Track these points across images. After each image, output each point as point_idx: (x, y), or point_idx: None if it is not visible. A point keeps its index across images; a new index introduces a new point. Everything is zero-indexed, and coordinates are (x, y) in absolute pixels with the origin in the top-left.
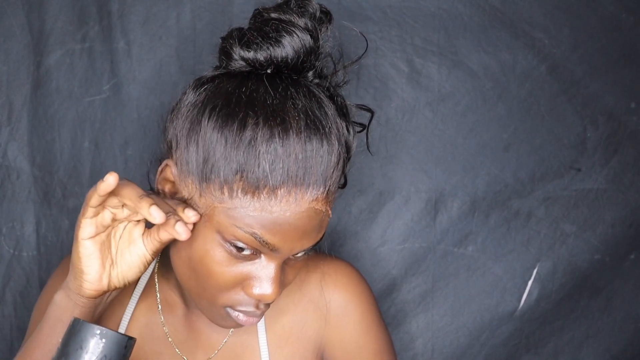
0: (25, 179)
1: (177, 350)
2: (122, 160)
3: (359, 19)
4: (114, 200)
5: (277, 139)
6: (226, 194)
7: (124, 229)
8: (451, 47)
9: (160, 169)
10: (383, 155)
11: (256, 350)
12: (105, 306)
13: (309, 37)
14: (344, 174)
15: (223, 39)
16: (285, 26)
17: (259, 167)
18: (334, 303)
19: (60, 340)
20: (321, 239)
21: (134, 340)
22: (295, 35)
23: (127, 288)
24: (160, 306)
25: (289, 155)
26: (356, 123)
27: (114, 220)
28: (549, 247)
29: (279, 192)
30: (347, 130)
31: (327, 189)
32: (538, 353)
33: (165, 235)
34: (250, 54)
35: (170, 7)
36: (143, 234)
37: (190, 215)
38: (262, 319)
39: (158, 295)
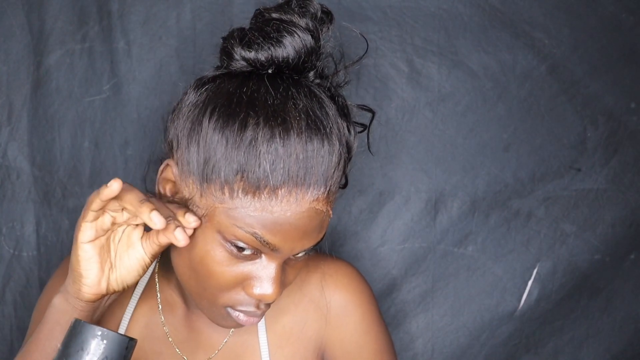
0: (25, 179)
1: (178, 350)
2: (122, 160)
3: (359, 19)
4: (114, 204)
5: (278, 139)
6: (227, 194)
7: (123, 232)
8: (451, 47)
9: (161, 169)
10: (383, 155)
11: (256, 350)
12: (104, 310)
13: (310, 37)
14: (344, 174)
15: (224, 39)
16: (286, 26)
17: (259, 167)
18: (335, 303)
19: (59, 342)
20: (322, 239)
21: (135, 341)
22: (296, 35)
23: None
24: (160, 306)
25: (289, 155)
26: (357, 123)
27: (113, 224)
28: (549, 247)
29: (279, 192)
30: (348, 130)
31: (327, 189)
32: (538, 353)
33: (164, 240)
34: (251, 54)
35: (170, 7)
36: (142, 238)
37: (190, 221)
38: (263, 319)
39: (158, 295)
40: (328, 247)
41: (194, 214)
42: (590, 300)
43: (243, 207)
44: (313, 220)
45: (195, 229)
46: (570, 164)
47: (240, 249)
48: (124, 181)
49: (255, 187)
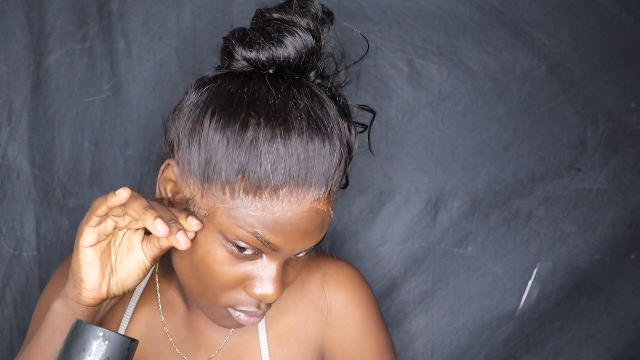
0: (25, 179)
1: (178, 350)
2: (122, 160)
3: (359, 19)
4: (117, 210)
5: (279, 139)
6: (228, 194)
7: (123, 236)
8: (451, 47)
9: (161, 168)
10: (383, 155)
11: (257, 350)
12: (104, 314)
13: (311, 37)
14: (345, 174)
15: (225, 39)
16: (287, 26)
17: (260, 167)
18: (335, 303)
19: (60, 347)
20: (323, 239)
21: (136, 342)
22: (297, 35)
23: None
24: (160, 306)
25: (290, 155)
26: (358, 123)
27: (114, 228)
28: (549, 247)
29: (280, 192)
30: (349, 130)
31: (328, 189)
32: (538, 353)
33: (165, 243)
34: (252, 54)
35: (170, 7)
36: (142, 241)
37: (192, 224)
38: (263, 319)
39: (159, 295)
40: (328, 247)
41: (196, 217)
42: (590, 300)
43: (244, 207)
44: (314, 220)
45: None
46: (570, 164)
47: (241, 249)
48: (130, 187)
49: (256, 187)
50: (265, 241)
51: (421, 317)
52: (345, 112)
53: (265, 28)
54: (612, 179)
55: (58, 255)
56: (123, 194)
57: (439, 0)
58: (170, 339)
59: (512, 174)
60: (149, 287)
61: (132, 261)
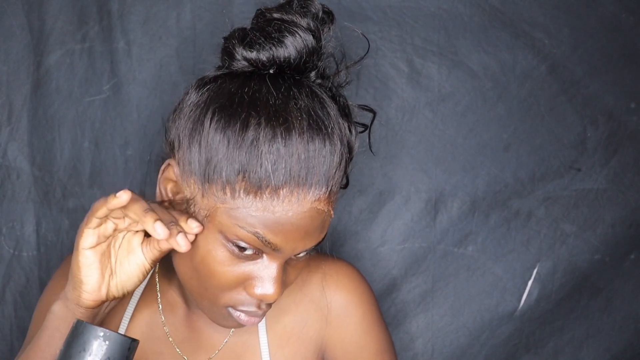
0: (25, 179)
1: (178, 350)
2: (122, 160)
3: (359, 19)
4: (117, 212)
5: (280, 139)
6: (228, 194)
7: (123, 238)
8: (451, 47)
9: (162, 168)
10: (383, 155)
11: (257, 350)
12: (104, 316)
13: (311, 37)
14: (346, 174)
15: (225, 39)
16: (287, 26)
17: (261, 167)
18: (335, 303)
19: (59, 349)
20: (323, 239)
21: (137, 342)
22: (297, 35)
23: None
24: (160, 306)
25: (291, 155)
26: (358, 123)
27: (114, 230)
28: (549, 247)
29: (281, 192)
30: (350, 130)
31: (329, 189)
32: (538, 353)
33: (165, 245)
34: (252, 54)
35: (170, 7)
36: (142, 243)
37: (193, 227)
38: (263, 319)
39: (159, 295)
40: (328, 248)
41: (196, 219)
42: (590, 300)
43: (245, 207)
44: (314, 220)
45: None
46: (570, 164)
47: (242, 249)
48: (131, 190)
49: (257, 187)
50: (265, 241)
51: (421, 317)
52: (345, 112)
53: (265, 28)
54: (612, 179)
55: (58, 255)
56: (124, 196)
57: (439, 0)
58: (170, 339)
59: (512, 174)
60: (149, 287)
61: (132, 263)
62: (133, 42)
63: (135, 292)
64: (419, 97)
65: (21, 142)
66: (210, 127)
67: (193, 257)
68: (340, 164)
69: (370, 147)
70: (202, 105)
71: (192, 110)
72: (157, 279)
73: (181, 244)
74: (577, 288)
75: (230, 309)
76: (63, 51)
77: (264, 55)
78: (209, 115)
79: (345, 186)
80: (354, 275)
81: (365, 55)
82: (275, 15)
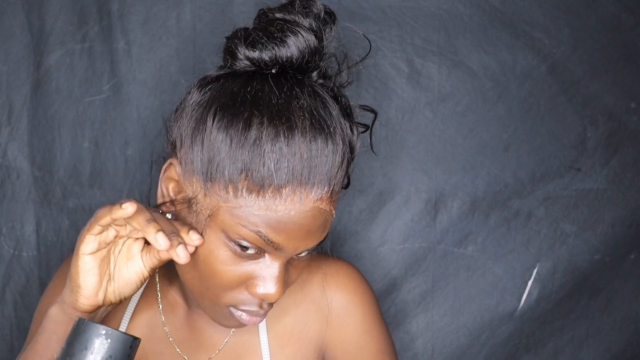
0: (25, 179)
1: (178, 350)
2: (122, 160)
3: (359, 19)
4: (120, 220)
5: (282, 138)
6: (231, 193)
7: (123, 244)
8: (451, 47)
9: (164, 168)
10: (383, 155)
11: (257, 350)
12: (100, 320)
13: (313, 37)
14: (347, 174)
15: (228, 38)
16: (290, 26)
17: (264, 166)
18: (336, 303)
19: (56, 353)
20: (325, 238)
21: (139, 340)
22: (300, 35)
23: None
24: (161, 306)
25: (294, 154)
26: (359, 124)
27: (115, 236)
28: (549, 247)
29: (283, 191)
30: (351, 130)
31: (331, 188)
32: (538, 353)
33: (165, 255)
34: (255, 54)
35: (170, 7)
36: (142, 250)
37: (194, 239)
38: (264, 319)
39: (159, 295)
40: (329, 248)
41: (197, 232)
42: (590, 300)
43: (247, 206)
44: (317, 220)
45: (201, 229)
46: (570, 164)
47: (244, 248)
48: (135, 198)
49: (259, 186)
50: (268, 240)
51: (421, 317)
52: (347, 112)
53: (268, 28)
54: (612, 179)
55: (58, 255)
56: (129, 208)
57: (439, 0)
58: (170, 339)
59: (512, 174)
60: (150, 287)
61: (131, 270)
62: (133, 42)
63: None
64: (419, 97)
65: (21, 142)
66: (212, 126)
67: (195, 257)
68: (342, 164)
69: (371, 147)
70: (205, 104)
71: (194, 109)
72: (157, 279)
73: (181, 256)
74: (577, 288)
75: (232, 309)
76: (63, 51)
77: (266, 55)
78: (211, 114)
79: (347, 186)
80: (354, 276)
81: (366, 55)
82: (278, 15)
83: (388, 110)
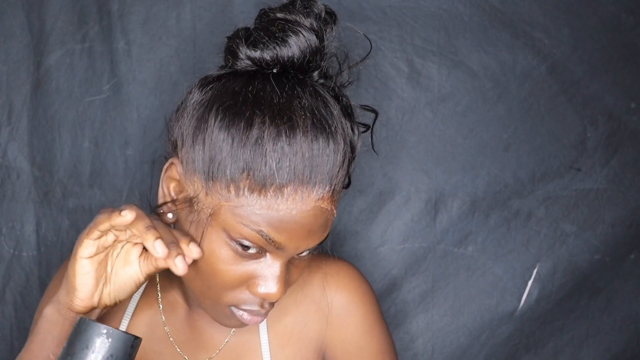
0: (25, 179)
1: (179, 350)
2: (122, 160)
3: (359, 19)
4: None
5: (284, 138)
6: (232, 192)
7: (122, 248)
8: (451, 47)
9: (165, 167)
10: (383, 155)
11: (258, 350)
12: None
13: (314, 37)
14: (348, 174)
15: (229, 38)
16: (291, 26)
17: (265, 165)
18: (336, 303)
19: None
20: (326, 238)
21: (140, 339)
22: (301, 35)
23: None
24: (161, 306)
25: (295, 153)
26: (360, 124)
27: (114, 241)
28: (549, 247)
29: (285, 190)
30: (352, 130)
31: (332, 187)
32: (538, 353)
33: (162, 263)
34: (256, 53)
35: (170, 7)
36: (140, 256)
37: (194, 251)
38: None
39: (159, 295)
40: (329, 247)
41: (197, 245)
42: (590, 300)
43: (249, 205)
44: (318, 219)
45: (200, 228)
46: (570, 164)
47: (246, 248)
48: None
49: (261, 185)
50: (269, 239)
51: (421, 317)
52: (348, 112)
53: (269, 28)
54: (612, 179)
55: (58, 255)
56: (128, 215)
57: (439, 0)
58: (171, 339)
59: (512, 174)
60: (150, 287)
61: (127, 274)
62: (133, 42)
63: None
64: (419, 97)
65: (21, 142)
66: (214, 125)
67: None
68: (343, 163)
69: (372, 146)
70: (206, 103)
71: (195, 109)
72: (157, 279)
73: (179, 267)
74: (577, 288)
75: (233, 308)
76: (63, 51)
77: (267, 55)
78: (213, 114)
79: (347, 186)
80: (354, 276)
81: (367, 55)
82: (279, 15)
83: (388, 110)
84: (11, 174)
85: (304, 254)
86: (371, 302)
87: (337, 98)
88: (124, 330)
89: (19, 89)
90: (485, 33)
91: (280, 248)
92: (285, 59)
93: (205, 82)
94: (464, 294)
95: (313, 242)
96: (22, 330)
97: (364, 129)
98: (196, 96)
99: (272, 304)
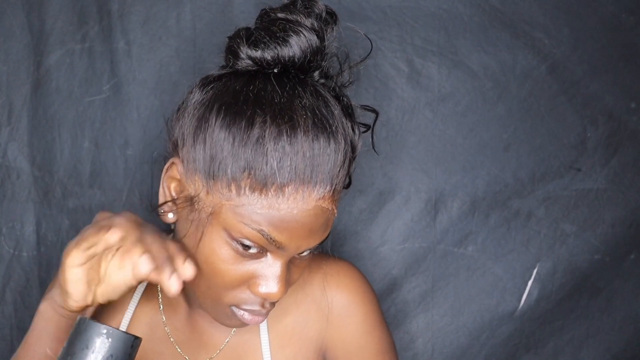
0: (25, 179)
1: (179, 350)
2: (122, 160)
3: (359, 19)
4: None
5: (285, 137)
6: (234, 191)
7: (117, 249)
8: (451, 47)
9: (166, 167)
10: (383, 155)
11: (258, 350)
12: (90, 315)
13: (315, 37)
14: (349, 174)
15: (230, 38)
16: (292, 26)
17: (266, 164)
18: (336, 303)
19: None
20: (326, 237)
21: (140, 339)
22: (302, 35)
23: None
24: (162, 306)
25: (296, 153)
26: (361, 124)
27: (105, 249)
28: (549, 247)
29: (286, 189)
30: (353, 130)
31: (333, 187)
32: (538, 353)
33: (154, 278)
34: (257, 53)
35: (170, 7)
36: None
37: (187, 271)
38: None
39: (160, 295)
40: (329, 247)
41: (192, 263)
42: (590, 300)
43: (250, 205)
44: (319, 218)
45: (201, 227)
46: (570, 164)
47: (246, 247)
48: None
49: (262, 185)
50: (270, 239)
51: (421, 317)
52: (349, 112)
53: (270, 27)
54: (612, 179)
55: (58, 255)
56: (112, 237)
57: (439, 0)
58: (171, 339)
59: (512, 174)
60: (150, 287)
61: (119, 277)
62: (133, 42)
63: (136, 292)
64: (419, 97)
65: (21, 142)
66: (215, 124)
67: (197, 256)
68: (344, 163)
69: (373, 146)
70: (207, 103)
71: (196, 108)
72: None
73: (172, 287)
74: (577, 288)
75: (234, 308)
76: (63, 51)
77: (268, 54)
78: (214, 113)
79: (348, 186)
80: (355, 275)
81: (368, 55)
82: (280, 15)
83: (388, 110)
84: (11, 174)
85: (305, 253)
86: (372, 302)
87: (337, 98)
88: (124, 330)
89: (19, 89)
90: (485, 33)
91: (281, 247)
92: (286, 58)
93: (206, 82)
94: (464, 294)
95: (314, 242)
96: (22, 330)
97: (364, 129)
98: (197, 96)
99: (272, 304)
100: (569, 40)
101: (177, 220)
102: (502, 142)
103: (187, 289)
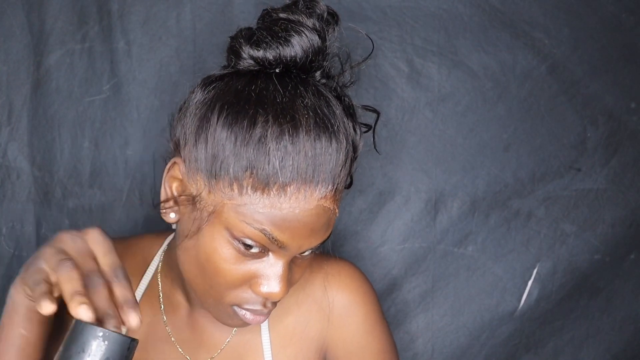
0: (25, 179)
1: (180, 350)
2: (122, 160)
3: (359, 19)
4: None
5: (287, 137)
6: (236, 190)
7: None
8: (451, 47)
9: (167, 167)
10: (383, 155)
11: (259, 350)
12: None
13: (317, 37)
14: (350, 174)
15: (232, 38)
16: (294, 26)
17: (269, 164)
18: (337, 303)
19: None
20: (328, 237)
21: (136, 341)
22: (304, 35)
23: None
24: (163, 306)
25: (298, 152)
26: (362, 124)
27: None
28: (549, 247)
29: (288, 189)
30: (354, 130)
31: (335, 186)
32: (538, 353)
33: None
34: (259, 53)
35: (170, 7)
36: None
37: (134, 322)
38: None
39: (161, 295)
40: (330, 247)
41: (139, 312)
42: (590, 300)
43: (252, 204)
44: (321, 218)
45: (203, 227)
46: (570, 164)
47: (248, 247)
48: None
49: (264, 184)
50: (272, 238)
51: (421, 317)
52: (350, 112)
53: (272, 27)
54: (612, 179)
55: None
56: (44, 310)
57: (439, 0)
58: (172, 339)
59: (512, 174)
60: (151, 287)
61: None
62: (133, 42)
63: (136, 292)
64: (419, 97)
65: (21, 142)
66: (217, 123)
67: (198, 255)
68: (345, 162)
69: (375, 146)
70: (209, 102)
71: (198, 108)
72: (159, 279)
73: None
74: (577, 288)
75: (236, 308)
76: (63, 51)
77: (270, 54)
78: (215, 113)
79: (349, 186)
80: (356, 275)
81: (369, 55)
82: (282, 15)
83: (388, 110)
84: (11, 174)
85: (307, 253)
86: (372, 302)
87: (339, 98)
88: (124, 331)
89: (19, 89)
90: (485, 33)
91: (283, 247)
92: (288, 58)
93: (207, 82)
94: (464, 294)
95: (316, 241)
96: None
97: (365, 129)
98: (199, 95)
99: (274, 304)
100: (569, 40)
101: (178, 220)
102: (502, 142)
103: (188, 288)
